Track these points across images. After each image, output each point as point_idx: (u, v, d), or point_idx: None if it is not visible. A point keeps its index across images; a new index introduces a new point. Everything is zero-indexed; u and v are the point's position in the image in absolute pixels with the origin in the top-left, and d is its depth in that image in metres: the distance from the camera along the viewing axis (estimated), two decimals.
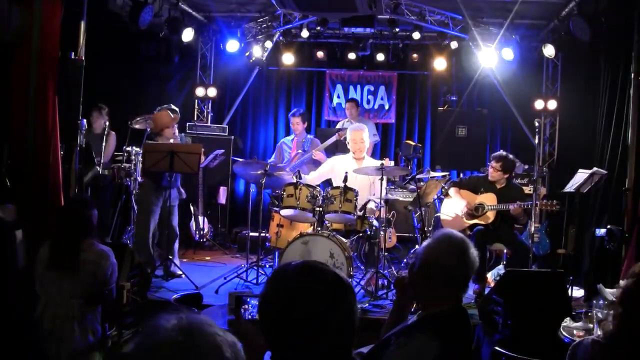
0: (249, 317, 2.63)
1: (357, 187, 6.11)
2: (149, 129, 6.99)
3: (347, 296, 1.77)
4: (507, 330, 4.79)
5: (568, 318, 4.93)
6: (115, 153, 7.94)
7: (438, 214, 7.07)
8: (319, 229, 6.03)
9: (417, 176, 7.29)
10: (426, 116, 10.37)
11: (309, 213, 6.01)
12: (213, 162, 8.25)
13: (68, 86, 5.82)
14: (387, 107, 10.41)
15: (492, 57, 9.19)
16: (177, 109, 6.99)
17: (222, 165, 8.74)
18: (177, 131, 6.98)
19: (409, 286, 2.64)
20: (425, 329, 2.34)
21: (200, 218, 8.56)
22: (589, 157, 7.39)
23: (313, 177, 6.82)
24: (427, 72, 10.15)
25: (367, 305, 5.71)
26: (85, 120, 6.38)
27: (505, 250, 6.72)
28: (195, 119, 10.19)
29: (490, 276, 6.75)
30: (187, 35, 8.61)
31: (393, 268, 6.93)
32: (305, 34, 9.71)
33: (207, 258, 8.14)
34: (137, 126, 7.14)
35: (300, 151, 8.10)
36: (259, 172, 6.35)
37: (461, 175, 8.92)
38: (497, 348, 3.40)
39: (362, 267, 6.52)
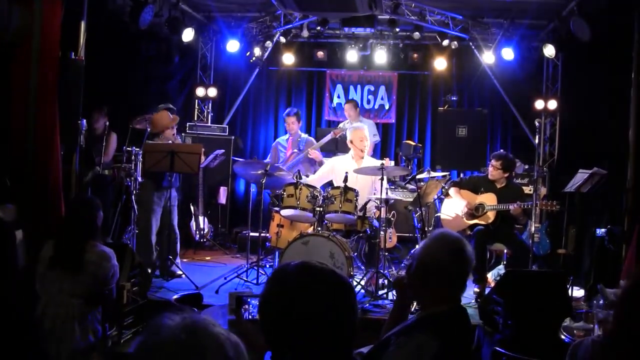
0: (249, 317, 2.64)
1: (358, 187, 6.11)
2: (149, 129, 7.00)
3: (347, 296, 1.77)
4: (508, 330, 4.79)
5: (568, 318, 4.93)
6: (116, 153, 7.95)
7: (438, 214, 7.08)
8: (319, 229, 6.03)
9: (418, 176, 7.29)
10: (426, 116, 10.36)
11: (309, 213, 6.01)
12: (213, 162, 8.25)
13: (68, 86, 5.82)
14: (387, 107, 10.41)
15: (493, 57, 9.20)
16: (174, 108, 7.00)
17: (223, 165, 8.74)
18: (176, 131, 6.99)
19: (408, 287, 2.64)
20: (424, 329, 2.34)
21: (201, 218, 8.56)
22: (589, 157, 7.38)
23: (313, 179, 6.81)
24: (428, 72, 10.14)
25: (367, 305, 5.71)
26: (85, 120, 6.38)
27: (505, 250, 6.72)
28: (196, 119, 10.19)
29: (491, 276, 6.75)
30: (188, 35, 8.61)
31: (393, 268, 6.93)
32: (305, 34, 9.72)
33: (208, 258, 8.14)
34: (137, 126, 7.14)
35: (295, 150, 8.10)
36: (259, 172, 6.35)
37: (461, 175, 8.92)
38: (497, 348, 3.40)
39: (363, 267, 6.53)
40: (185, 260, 7.62)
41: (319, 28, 9.33)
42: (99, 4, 6.91)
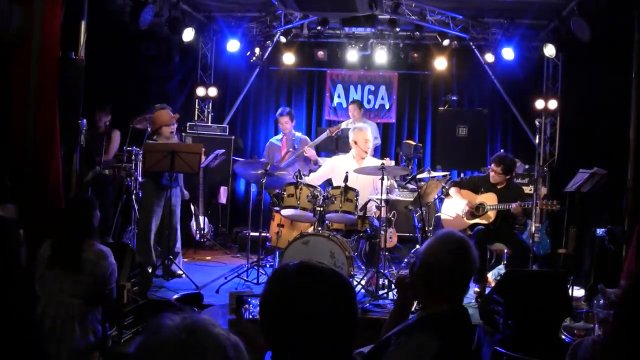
0: (250, 316, 2.64)
1: (358, 187, 6.11)
2: (149, 129, 7.00)
3: (347, 296, 1.77)
4: (508, 330, 4.79)
5: (569, 318, 4.94)
6: (117, 153, 7.95)
7: (439, 214, 7.08)
8: (320, 228, 6.03)
9: (418, 176, 7.29)
10: (427, 116, 10.36)
11: (309, 213, 6.01)
12: (214, 161, 8.25)
13: (68, 86, 5.82)
14: (387, 106, 10.41)
15: (493, 56, 9.20)
16: (170, 108, 7.02)
17: (223, 165, 8.74)
18: (175, 130, 7.00)
19: (410, 286, 2.64)
20: (425, 328, 2.34)
21: (201, 218, 8.56)
22: (590, 157, 7.38)
23: (313, 178, 6.82)
24: (428, 72, 10.14)
25: (367, 305, 5.71)
26: (85, 120, 6.38)
27: (505, 250, 6.72)
28: (196, 118, 10.20)
29: (491, 276, 6.75)
30: (188, 35, 8.61)
31: (394, 268, 6.94)
32: (305, 33, 9.72)
33: (208, 258, 8.14)
34: (137, 126, 7.14)
35: (290, 150, 8.10)
36: (260, 171, 6.35)
37: (462, 175, 8.92)
38: (497, 348, 3.40)
39: (363, 267, 6.52)
40: (185, 260, 7.61)
41: (319, 28, 9.33)
42: (99, 4, 6.91)
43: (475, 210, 6.52)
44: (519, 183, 7.62)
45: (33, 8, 5.26)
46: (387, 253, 6.51)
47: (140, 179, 7.08)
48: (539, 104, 9.37)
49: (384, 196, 6.09)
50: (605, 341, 2.31)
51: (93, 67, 6.33)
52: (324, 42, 10.01)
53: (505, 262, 6.86)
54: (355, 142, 6.76)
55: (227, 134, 9.62)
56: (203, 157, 7.09)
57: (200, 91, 10.10)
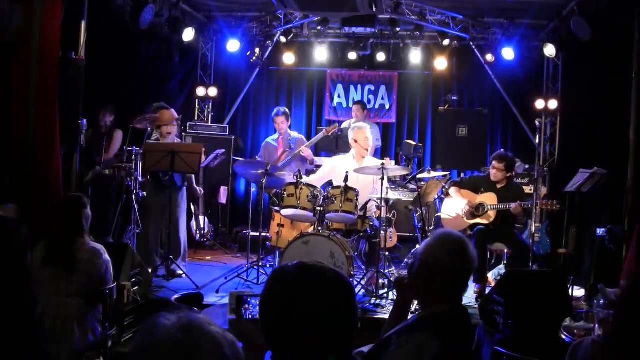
0: (250, 316, 2.63)
1: (358, 187, 6.11)
2: (149, 129, 7.00)
3: (347, 295, 1.77)
4: (508, 330, 4.78)
5: (569, 318, 4.93)
6: (117, 152, 7.95)
7: (439, 214, 7.07)
8: (320, 228, 6.03)
9: (418, 176, 7.29)
10: (427, 116, 10.37)
11: (309, 213, 6.01)
12: (214, 161, 8.26)
13: (68, 86, 5.82)
14: (387, 106, 10.41)
15: (493, 56, 9.19)
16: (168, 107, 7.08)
17: (223, 165, 8.75)
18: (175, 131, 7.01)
19: (409, 286, 2.64)
20: (425, 328, 2.34)
21: (201, 218, 8.56)
22: (590, 157, 7.38)
23: (314, 180, 6.80)
24: (428, 72, 10.15)
25: (367, 304, 5.72)
26: (85, 120, 6.38)
27: (505, 250, 6.72)
28: (196, 118, 10.20)
29: (491, 276, 6.75)
30: (188, 35, 8.62)
31: (394, 268, 6.94)
32: (306, 33, 9.72)
33: (208, 258, 8.14)
34: (137, 126, 7.14)
35: (287, 150, 8.11)
36: (260, 171, 6.35)
37: (462, 175, 8.92)
38: (498, 348, 3.40)
39: (363, 267, 6.52)
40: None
41: (319, 28, 9.33)
42: (99, 4, 6.91)
43: (475, 210, 6.52)
44: (519, 183, 7.62)
45: (33, 8, 5.25)
46: (387, 253, 6.51)
47: (140, 178, 7.07)
48: (539, 103, 9.37)
49: (384, 196, 6.09)
50: (606, 341, 2.30)
51: (93, 67, 6.33)
52: (324, 42, 10.01)
53: (505, 262, 6.86)
54: (356, 141, 6.76)
55: (227, 134, 9.62)
56: (203, 157, 7.10)
57: (201, 91, 10.10)
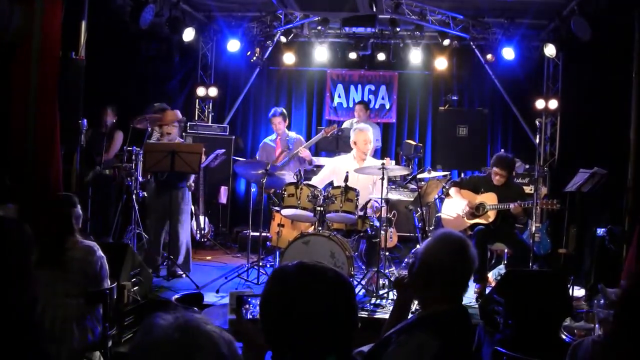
0: (250, 316, 2.63)
1: (359, 187, 6.11)
2: (149, 129, 7.01)
3: (347, 295, 1.77)
4: (508, 330, 4.79)
5: (569, 318, 4.93)
6: (117, 152, 7.96)
7: (439, 214, 7.07)
8: (320, 228, 6.03)
9: (418, 176, 7.28)
10: (427, 116, 10.37)
11: (310, 213, 6.01)
12: (214, 161, 8.26)
13: (69, 86, 5.82)
14: (388, 106, 10.41)
15: (493, 56, 9.19)
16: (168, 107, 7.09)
17: (223, 164, 8.75)
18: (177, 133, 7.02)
19: (409, 286, 2.64)
20: (425, 328, 2.34)
21: (201, 218, 8.56)
22: (590, 157, 7.39)
23: (315, 182, 6.79)
24: (428, 72, 10.15)
25: (367, 304, 5.72)
26: (85, 120, 6.39)
27: (506, 250, 6.72)
28: (196, 118, 10.20)
29: (491, 276, 6.75)
30: (188, 35, 8.62)
31: (394, 268, 6.93)
32: (306, 33, 9.72)
33: (208, 258, 8.14)
34: (138, 126, 7.14)
35: (285, 150, 8.11)
36: (260, 171, 6.35)
37: (462, 175, 8.92)
38: (498, 348, 3.39)
39: (363, 267, 6.52)
40: None
41: (319, 28, 9.33)
42: (99, 4, 6.91)
43: (476, 210, 6.52)
44: (519, 183, 7.62)
45: (33, 8, 5.25)
46: (387, 253, 6.50)
47: (140, 178, 7.07)
48: (540, 103, 9.38)
49: (385, 196, 6.09)
50: (606, 341, 2.30)
51: (93, 67, 6.34)
52: (324, 41, 10.00)
53: (505, 262, 6.86)
54: (355, 143, 6.76)
55: (228, 133, 9.62)
56: (203, 157, 7.10)
57: (201, 91, 10.10)
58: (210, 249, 8.62)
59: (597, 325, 4.21)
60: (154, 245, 6.81)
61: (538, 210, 6.36)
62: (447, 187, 6.94)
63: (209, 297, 5.79)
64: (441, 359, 2.27)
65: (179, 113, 7.04)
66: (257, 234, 6.74)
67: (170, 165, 6.34)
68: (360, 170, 6.35)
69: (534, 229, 6.48)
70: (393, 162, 8.06)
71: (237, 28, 9.45)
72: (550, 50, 8.57)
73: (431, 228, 7.19)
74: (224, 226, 9.37)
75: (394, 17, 8.64)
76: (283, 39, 9.72)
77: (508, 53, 8.88)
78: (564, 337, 4.59)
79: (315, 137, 8.19)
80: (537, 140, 7.81)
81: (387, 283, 6.10)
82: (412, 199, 7.81)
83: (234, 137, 9.51)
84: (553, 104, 9.38)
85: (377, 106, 10.43)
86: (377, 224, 6.30)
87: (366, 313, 5.51)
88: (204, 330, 1.34)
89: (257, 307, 2.50)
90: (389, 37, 9.74)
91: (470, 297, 6.08)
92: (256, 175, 6.47)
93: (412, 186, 7.83)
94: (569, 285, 5.88)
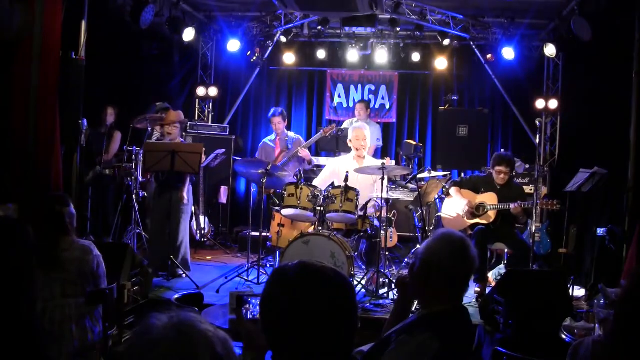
0: (250, 316, 2.63)
1: (359, 187, 6.11)
2: (149, 129, 7.01)
3: (347, 295, 1.77)
4: (509, 330, 4.79)
5: (569, 317, 4.94)
6: (117, 152, 7.97)
7: (439, 214, 7.07)
8: (320, 228, 6.03)
9: (418, 176, 7.28)
10: (427, 116, 10.37)
11: (310, 213, 6.01)
12: (214, 161, 8.26)
13: (69, 86, 5.82)
14: (388, 106, 10.41)
15: (493, 56, 9.19)
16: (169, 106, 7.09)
17: (223, 164, 8.76)
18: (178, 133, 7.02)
19: (410, 286, 2.64)
20: (426, 327, 2.34)
21: (201, 217, 8.56)
22: (590, 157, 7.39)
23: (316, 184, 6.80)
24: (428, 72, 10.14)
25: (368, 304, 5.71)
26: (85, 120, 6.39)
27: (506, 250, 6.72)
28: (197, 118, 10.20)
29: (492, 276, 6.75)
30: (188, 34, 8.62)
31: (394, 267, 6.94)
32: (306, 33, 9.72)
33: (208, 257, 8.14)
34: (138, 126, 7.15)
35: (284, 150, 8.11)
36: (260, 171, 6.36)
37: (462, 174, 8.92)
38: (498, 348, 3.40)
39: (363, 267, 6.52)
40: None
41: (319, 27, 9.33)
42: (99, 4, 6.92)
43: (476, 210, 6.52)
44: (519, 183, 7.62)
45: (34, 7, 5.25)
46: (387, 253, 6.51)
47: (140, 178, 7.08)
48: (540, 103, 9.38)
49: (385, 195, 6.10)
50: (606, 341, 2.30)
51: (93, 67, 6.34)
52: (324, 41, 10.01)
53: (505, 262, 6.85)
54: (351, 141, 6.79)
55: (228, 133, 9.62)
56: (203, 157, 7.10)
57: (201, 91, 10.10)
58: (210, 249, 8.62)
59: (597, 325, 4.21)
60: (156, 245, 6.81)
61: (538, 210, 6.36)
62: (447, 187, 6.94)
63: (209, 297, 5.78)
64: (441, 358, 2.27)
65: (181, 114, 7.03)
66: (257, 234, 6.74)
67: (170, 165, 6.34)
68: (360, 170, 6.35)
69: (534, 229, 6.48)
70: (393, 162, 8.07)
71: (237, 28, 9.45)
72: (550, 50, 8.57)
73: (431, 228, 7.20)
74: (224, 226, 9.37)
75: (394, 17, 8.63)
76: (283, 39, 9.72)
77: (508, 53, 8.88)
78: (564, 337, 4.60)
79: (314, 137, 8.20)
80: (537, 140, 7.82)
81: (387, 283, 6.10)
82: (412, 199, 7.82)
83: (234, 137, 9.51)
84: (553, 104, 9.38)
85: (377, 106, 10.43)
86: (377, 223, 6.30)
87: (366, 313, 5.50)
88: (199, 329, 1.34)
89: (257, 307, 2.50)
90: (389, 37, 9.74)
91: (470, 297, 6.07)
92: (256, 175, 6.47)
93: (412, 186, 7.83)
94: (569, 285, 5.88)
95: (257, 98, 10.63)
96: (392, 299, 5.80)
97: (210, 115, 10.40)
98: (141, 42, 8.78)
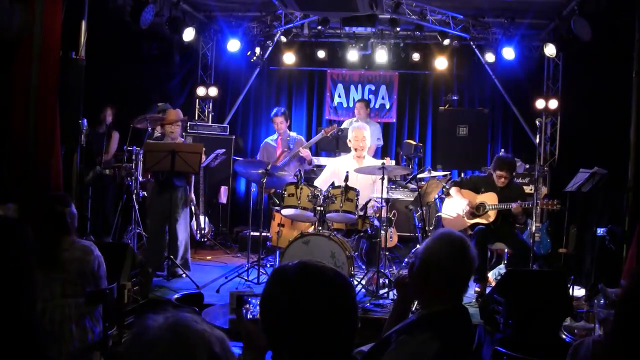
0: (250, 316, 2.63)
1: (359, 187, 6.11)
2: (149, 129, 7.01)
3: (347, 295, 1.77)
4: (509, 330, 4.79)
5: (569, 317, 4.94)
6: (117, 152, 7.97)
7: (439, 214, 7.07)
8: (320, 228, 6.03)
9: (418, 175, 7.28)
10: (427, 115, 10.37)
11: (310, 212, 6.01)
12: (214, 161, 8.26)
13: (69, 86, 5.82)
14: (388, 106, 10.41)
15: (493, 56, 9.19)
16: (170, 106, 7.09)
17: (223, 164, 8.75)
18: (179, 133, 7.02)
19: (409, 285, 2.64)
20: (425, 327, 2.34)
21: (202, 217, 8.56)
22: (590, 157, 7.39)
23: (317, 184, 6.80)
24: (428, 72, 10.14)
25: (368, 304, 5.71)
26: (85, 120, 6.39)
27: (506, 250, 6.72)
28: (197, 118, 10.20)
29: (492, 275, 6.75)
30: (188, 34, 8.61)
31: (394, 267, 6.94)
32: (306, 33, 9.72)
33: (208, 257, 8.14)
34: (138, 126, 7.15)
35: (285, 150, 8.12)
36: (260, 171, 6.36)
37: (462, 174, 8.92)
38: (498, 348, 3.40)
39: (363, 267, 6.52)
40: None
41: (319, 27, 9.33)
42: (99, 4, 6.92)
43: (476, 210, 6.52)
44: (519, 183, 7.62)
45: (34, 7, 5.25)
46: (387, 253, 6.51)
47: (140, 178, 7.07)
48: (540, 103, 9.38)
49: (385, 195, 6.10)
50: (606, 341, 2.30)
51: (93, 67, 6.34)
52: (324, 41, 10.01)
53: (505, 262, 6.86)
54: (350, 140, 6.79)
55: (228, 133, 9.61)
56: (203, 157, 7.10)
57: (201, 91, 10.10)
58: (211, 248, 8.62)
59: (597, 325, 4.21)
60: (154, 245, 6.81)
61: (538, 210, 6.36)
62: (447, 186, 6.94)
63: (210, 297, 5.78)
64: (441, 358, 2.27)
65: (180, 112, 7.04)
66: (257, 233, 6.74)
67: (170, 165, 6.34)
68: (360, 170, 6.35)
69: (534, 228, 6.48)
70: (393, 161, 8.06)
71: (237, 28, 9.45)
72: (550, 50, 8.57)
73: (431, 228, 7.20)
74: (224, 226, 9.37)
75: (394, 17, 8.63)
76: (283, 39, 9.73)
77: (508, 53, 8.88)
78: (564, 337, 4.60)
79: (315, 137, 8.21)
80: (537, 140, 7.82)
81: (387, 283, 6.10)
82: (412, 199, 7.81)
83: (234, 137, 9.51)
84: (553, 103, 9.38)
85: (377, 106, 10.43)
86: (377, 223, 6.30)
87: (366, 313, 5.50)
88: (196, 329, 1.34)
89: (257, 307, 2.50)
90: (389, 37, 9.74)
91: (470, 297, 6.07)
92: (256, 175, 6.47)
93: (412, 186, 7.83)
94: (569, 285, 5.88)
95: (257, 98, 10.63)
96: (392, 299, 5.80)
97: (210, 115, 10.40)
98: (141, 42, 8.78)
